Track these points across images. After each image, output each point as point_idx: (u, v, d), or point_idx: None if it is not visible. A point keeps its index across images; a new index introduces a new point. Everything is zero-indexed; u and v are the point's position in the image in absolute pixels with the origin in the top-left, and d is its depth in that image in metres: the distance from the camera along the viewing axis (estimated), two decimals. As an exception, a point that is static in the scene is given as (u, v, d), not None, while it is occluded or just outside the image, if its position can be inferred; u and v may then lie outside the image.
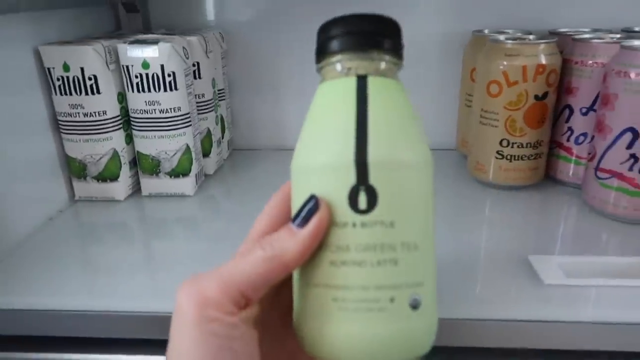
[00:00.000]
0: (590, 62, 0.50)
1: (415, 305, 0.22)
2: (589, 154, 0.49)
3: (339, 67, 0.24)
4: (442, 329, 0.34)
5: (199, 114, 0.58)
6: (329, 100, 0.23)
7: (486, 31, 0.61)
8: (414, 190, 0.22)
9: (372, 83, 0.23)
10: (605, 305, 0.36)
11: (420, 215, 0.22)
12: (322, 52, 0.24)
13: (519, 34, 0.56)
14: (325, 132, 0.23)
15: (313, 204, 0.21)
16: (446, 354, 0.35)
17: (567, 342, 0.35)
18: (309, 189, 0.22)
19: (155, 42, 0.51)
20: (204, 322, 0.21)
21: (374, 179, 0.21)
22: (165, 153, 0.54)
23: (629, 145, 0.44)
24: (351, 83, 0.23)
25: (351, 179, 0.21)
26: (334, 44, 0.23)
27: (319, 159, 0.22)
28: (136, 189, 0.57)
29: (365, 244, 0.21)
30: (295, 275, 0.24)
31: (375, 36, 0.23)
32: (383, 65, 0.23)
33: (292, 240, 0.21)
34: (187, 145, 0.54)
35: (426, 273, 0.23)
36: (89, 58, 0.50)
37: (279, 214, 0.25)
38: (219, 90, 0.64)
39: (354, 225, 0.21)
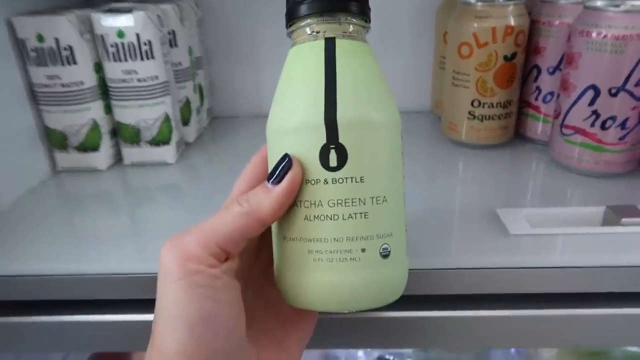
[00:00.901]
0: (557, 22, 0.52)
1: (385, 255, 0.24)
2: (555, 111, 0.51)
3: (307, 30, 0.25)
4: (417, 279, 0.37)
5: (177, 82, 0.59)
6: (299, 64, 0.25)
7: (458, -7, 0.62)
8: (381, 147, 0.24)
9: (340, 45, 0.24)
10: (566, 252, 0.38)
11: (388, 171, 0.24)
12: (291, 17, 0.25)
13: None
14: (296, 94, 0.24)
15: (286, 163, 0.23)
16: (421, 302, 0.38)
17: (532, 286, 0.37)
18: (283, 149, 0.24)
19: (129, 10, 0.51)
20: (187, 274, 0.22)
21: (343, 138, 0.23)
22: (145, 122, 0.54)
23: (591, 102, 0.46)
24: (319, 46, 0.24)
25: (322, 138, 0.23)
26: (302, 8, 0.24)
27: (290, 121, 0.24)
28: (118, 158, 0.58)
29: (337, 199, 0.23)
30: (274, 230, 0.26)
31: (342, 0, 0.24)
32: (350, 28, 0.24)
33: (267, 197, 0.23)
34: (167, 113, 0.55)
35: (395, 224, 0.24)
36: (63, 28, 0.49)
37: (257, 176, 0.27)
38: (196, 58, 0.64)
39: (326, 181, 0.23)
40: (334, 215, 0.23)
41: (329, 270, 0.23)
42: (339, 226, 0.23)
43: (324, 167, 0.23)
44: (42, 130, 0.54)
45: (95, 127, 0.54)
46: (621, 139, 0.46)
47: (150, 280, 0.38)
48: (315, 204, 0.23)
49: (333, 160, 0.23)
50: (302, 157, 0.23)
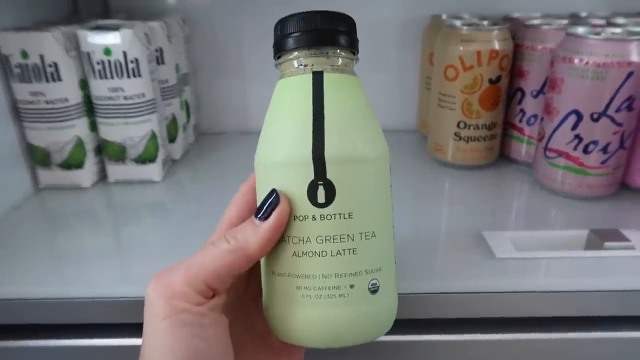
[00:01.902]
0: (540, 47, 0.53)
1: (374, 290, 0.24)
2: (539, 134, 0.52)
3: (295, 63, 0.24)
4: (404, 303, 0.36)
5: (163, 99, 0.58)
6: (287, 97, 0.24)
7: (444, 16, 0.63)
8: (370, 182, 0.23)
9: (328, 79, 0.24)
10: (551, 275, 0.39)
11: (376, 206, 0.24)
12: (279, 49, 0.25)
13: (475, 20, 0.58)
14: (284, 128, 0.24)
15: (274, 198, 0.23)
16: (410, 326, 0.38)
17: (519, 310, 0.38)
18: (271, 182, 0.24)
19: (116, 28, 0.50)
20: (173, 313, 0.22)
21: (331, 174, 0.22)
22: (131, 139, 0.54)
23: (574, 127, 0.47)
24: (307, 80, 0.24)
25: (309, 174, 0.23)
26: (290, 41, 0.24)
27: (279, 156, 0.23)
28: (102, 176, 0.57)
29: (325, 235, 0.23)
30: (263, 264, 0.26)
31: (330, 33, 0.24)
32: (339, 61, 0.24)
33: (255, 233, 0.23)
34: (153, 131, 0.54)
35: (384, 259, 0.24)
36: (49, 45, 0.49)
37: (247, 204, 0.27)
38: (182, 74, 0.64)
39: (314, 218, 0.23)
40: (322, 251, 0.23)
41: (317, 306, 0.23)
42: (327, 263, 0.23)
43: (312, 203, 0.23)
44: (24, 147, 0.53)
45: (79, 144, 0.53)
46: (603, 162, 0.47)
47: (136, 304, 0.37)
48: (303, 240, 0.23)
49: (321, 196, 0.22)
50: (289, 192, 0.23)
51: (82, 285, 0.39)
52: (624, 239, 0.41)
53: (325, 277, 0.23)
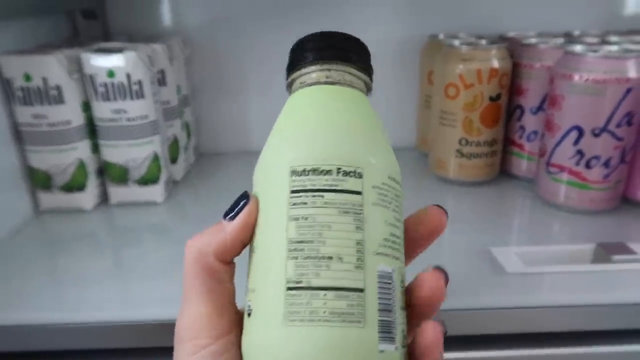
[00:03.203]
0: (538, 65, 0.54)
1: (249, 313, 0.20)
2: (540, 150, 0.52)
3: (296, 84, 0.24)
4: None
5: (165, 120, 0.58)
6: (283, 111, 0.24)
7: (441, 36, 0.64)
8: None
9: (322, 89, 0.23)
10: (563, 290, 0.39)
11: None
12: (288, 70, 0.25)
13: (472, 39, 0.60)
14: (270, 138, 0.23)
15: (242, 198, 0.22)
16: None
17: (534, 325, 0.38)
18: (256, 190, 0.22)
19: (120, 50, 0.50)
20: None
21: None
22: (134, 161, 0.53)
23: (576, 142, 0.48)
24: (299, 93, 0.23)
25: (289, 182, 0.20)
26: (290, 64, 0.24)
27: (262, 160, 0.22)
28: (103, 198, 0.56)
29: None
30: None
31: (316, 50, 0.23)
32: (331, 74, 0.23)
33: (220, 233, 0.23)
34: (155, 152, 0.54)
35: (259, 279, 0.20)
36: (52, 68, 0.49)
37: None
38: (183, 96, 0.64)
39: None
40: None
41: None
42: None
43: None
44: (25, 170, 0.52)
45: (81, 166, 0.53)
46: (605, 177, 0.48)
47: (136, 328, 0.37)
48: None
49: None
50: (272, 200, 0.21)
51: (83, 311, 0.38)
52: (631, 252, 0.41)
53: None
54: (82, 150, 0.52)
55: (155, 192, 0.55)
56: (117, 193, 0.55)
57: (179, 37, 0.64)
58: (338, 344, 0.18)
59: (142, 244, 0.48)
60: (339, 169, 0.20)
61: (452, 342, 0.38)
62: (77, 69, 0.51)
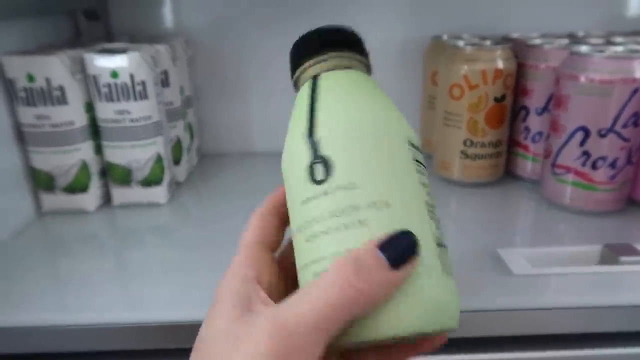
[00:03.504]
0: (543, 66, 0.54)
1: None
2: (545, 151, 0.52)
3: (301, 80, 0.26)
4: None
5: (168, 121, 0.58)
6: (296, 104, 0.26)
7: (444, 37, 0.64)
8: (373, 152, 0.22)
9: (324, 77, 0.25)
10: (570, 292, 0.39)
11: (386, 175, 0.22)
12: (292, 69, 0.27)
13: (476, 40, 0.59)
14: (291, 128, 0.25)
15: (409, 242, 0.20)
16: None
17: (539, 327, 0.37)
18: (286, 182, 0.24)
19: (123, 51, 0.50)
20: None
21: (326, 150, 0.22)
22: (137, 162, 0.53)
23: (582, 143, 0.47)
24: (308, 84, 0.25)
25: (307, 156, 0.23)
26: (293, 62, 0.26)
27: (286, 152, 0.24)
28: (106, 199, 0.56)
29: (330, 210, 0.21)
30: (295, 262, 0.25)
31: (317, 42, 0.26)
32: (334, 61, 0.25)
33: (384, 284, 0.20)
34: (159, 153, 0.54)
35: (408, 228, 0.21)
36: (55, 68, 0.49)
37: (267, 224, 0.26)
38: (186, 97, 0.64)
39: (316, 197, 0.22)
40: (329, 229, 0.21)
41: None
42: (335, 239, 0.21)
43: (313, 182, 0.22)
44: (27, 171, 0.52)
45: (84, 167, 0.52)
46: (611, 178, 0.47)
47: (139, 330, 0.37)
48: (312, 222, 0.22)
49: (319, 173, 0.22)
50: (295, 181, 0.23)
51: (85, 312, 0.38)
52: (638, 253, 0.41)
53: (337, 254, 0.21)
54: (85, 151, 0.52)
55: (159, 193, 0.55)
56: (120, 194, 0.55)
57: (182, 38, 0.64)
58: None
59: (144, 246, 0.48)
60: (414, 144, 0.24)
61: (459, 344, 0.38)
62: (80, 69, 0.51)
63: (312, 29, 0.26)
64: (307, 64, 0.26)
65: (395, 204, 0.22)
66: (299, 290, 0.20)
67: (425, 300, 0.21)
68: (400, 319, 0.20)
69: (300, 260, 0.23)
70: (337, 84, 0.25)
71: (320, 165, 0.22)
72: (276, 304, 0.20)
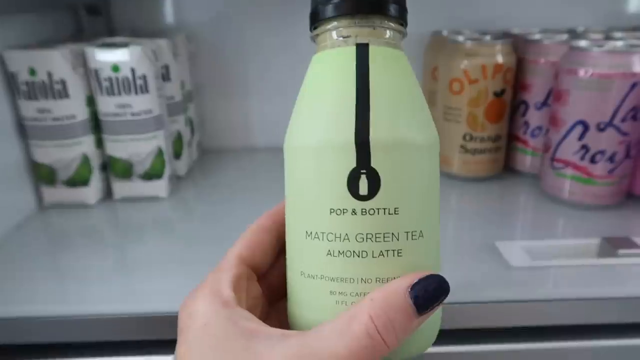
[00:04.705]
0: (542, 60, 0.54)
1: None
2: (545, 145, 0.52)
3: (335, 34, 0.21)
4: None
5: (169, 116, 0.58)
6: (325, 73, 0.21)
7: (444, 32, 0.64)
8: (420, 173, 0.20)
9: (374, 53, 0.20)
10: (569, 284, 0.39)
11: (425, 202, 0.21)
12: (317, 18, 0.22)
13: (476, 35, 0.59)
14: (322, 108, 0.20)
15: (442, 289, 0.20)
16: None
17: (537, 318, 0.38)
18: (305, 171, 0.21)
19: (125, 45, 0.50)
20: None
21: (376, 162, 0.19)
22: (138, 156, 0.53)
23: (580, 137, 0.48)
24: (351, 53, 0.21)
25: (351, 161, 0.19)
26: (331, 8, 0.21)
27: (315, 139, 0.20)
28: (107, 193, 0.56)
29: (367, 232, 0.20)
30: (289, 264, 0.23)
31: (378, 0, 0.21)
32: (387, 33, 0.21)
33: (409, 329, 0.19)
34: (160, 147, 0.54)
35: (431, 262, 0.21)
36: (57, 62, 0.49)
37: (259, 242, 0.25)
38: (187, 92, 0.64)
39: (354, 212, 0.20)
40: (362, 251, 0.20)
41: None
42: (368, 265, 0.20)
43: (352, 194, 0.20)
44: (29, 164, 0.52)
45: (85, 161, 0.53)
46: (610, 172, 0.48)
47: (139, 321, 0.37)
48: (340, 237, 0.20)
49: (364, 187, 0.19)
50: (326, 181, 0.20)
51: (86, 304, 0.38)
52: (636, 246, 0.41)
53: (365, 282, 0.20)
54: (86, 144, 0.52)
55: (159, 187, 0.55)
56: (121, 188, 0.55)
57: (183, 34, 0.64)
58: None
59: (145, 239, 0.48)
60: None
61: (459, 335, 0.38)
62: (82, 63, 0.51)
63: None
64: (348, 20, 0.21)
65: (427, 234, 0.21)
66: (328, 323, 0.19)
67: (431, 334, 0.22)
68: (403, 350, 0.20)
69: (308, 265, 0.21)
70: (393, 72, 0.21)
71: (367, 178, 0.20)
72: (302, 330, 0.20)
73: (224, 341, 0.19)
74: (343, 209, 0.20)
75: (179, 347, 0.21)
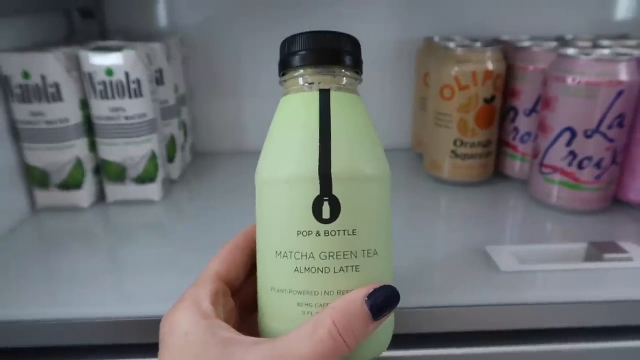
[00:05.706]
0: (531, 67, 0.55)
1: None
2: (533, 151, 0.53)
3: (301, 80, 0.25)
4: (414, 317, 0.37)
5: (162, 119, 0.58)
6: (292, 114, 0.25)
7: (436, 38, 0.65)
8: (373, 200, 0.24)
9: (334, 97, 0.24)
10: (555, 287, 0.40)
11: (379, 224, 0.24)
12: (285, 66, 0.25)
13: (467, 41, 0.60)
14: (288, 145, 0.24)
15: (393, 297, 0.23)
16: (416, 341, 0.38)
17: (525, 322, 0.38)
18: (275, 199, 0.24)
19: (119, 48, 0.51)
20: None
21: (336, 190, 0.23)
22: (131, 159, 0.54)
23: (568, 143, 0.49)
24: (314, 97, 0.24)
25: (315, 190, 0.23)
26: (297, 59, 0.24)
27: (283, 171, 0.23)
28: (100, 196, 0.56)
29: (329, 251, 0.23)
30: (260, 281, 0.26)
31: (337, 53, 0.25)
32: (344, 80, 0.25)
33: (366, 333, 0.22)
34: (153, 151, 0.54)
35: (384, 276, 0.25)
36: (50, 65, 0.49)
37: (234, 260, 0.27)
38: (180, 95, 0.64)
39: (318, 233, 0.23)
40: (325, 267, 0.23)
41: None
42: (330, 279, 0.23)
43: (316, 218, 0.23)
44: (22, 167, 0.52)
45: (78, 164, 0.53)
46: (597, 177, 0.49)
47: (131, 324, 0.37)
48: (306, 255, 0.23)
49: (326, 212, 0.23)
50: (293, 207, 0.23)
51: (78, 307, 0.38)
52: (622, 250, 0.42)
53: (328, 294, 0.23)
54: (79, 148, 0.53)
55: (152, 190, 0.56)
56: (114, 191, 0.55)
57: (176, 37, 0.65)
58: None
59: (138, 242, 0.48)
60: None
61: (448, 338, 0.39)
62: (76, 66, 0.51)
63: (320, 30, 0.25)
64: (312, 69, 0.24)
65: (381, 252, 0.24)
66: (295, 330, 0.22)
67: (385, 339, 0.25)
68: (361, 353, 0.23)
69: (277, 280, 0.24)
70: (350, 113, 0.24)
71: (329, 204, 0.23)
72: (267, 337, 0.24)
73: (204, 349, 0.22)
74: (309, 231, 0.23)
75: (161, 355, 0.23)
